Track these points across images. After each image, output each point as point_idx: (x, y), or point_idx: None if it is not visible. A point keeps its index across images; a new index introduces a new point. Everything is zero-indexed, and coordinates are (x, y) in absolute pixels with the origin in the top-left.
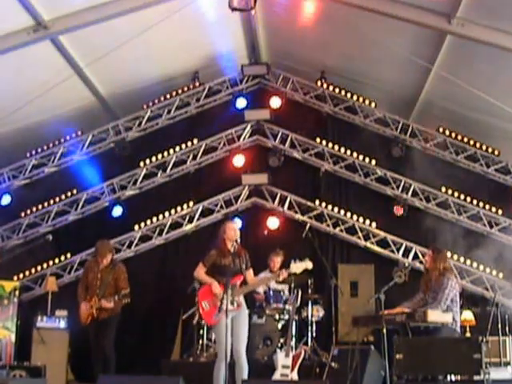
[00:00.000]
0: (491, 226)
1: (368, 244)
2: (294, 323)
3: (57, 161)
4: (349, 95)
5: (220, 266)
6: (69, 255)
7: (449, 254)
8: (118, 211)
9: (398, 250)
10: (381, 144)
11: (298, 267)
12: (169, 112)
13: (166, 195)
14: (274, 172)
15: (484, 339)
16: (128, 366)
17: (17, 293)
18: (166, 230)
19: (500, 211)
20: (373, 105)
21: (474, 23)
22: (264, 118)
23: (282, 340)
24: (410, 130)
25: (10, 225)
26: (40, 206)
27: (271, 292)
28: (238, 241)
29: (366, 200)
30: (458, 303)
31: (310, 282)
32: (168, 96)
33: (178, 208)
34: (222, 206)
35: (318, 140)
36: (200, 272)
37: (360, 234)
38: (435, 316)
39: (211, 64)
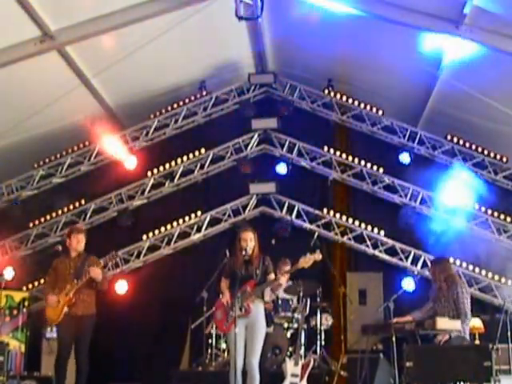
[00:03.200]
0: (500, 233)
1: (376, 252)
2: (302, 332)
3: (64, 171)
4: (356, 103)
5: (233, 274)
6: None
7: (457, 262)
8: (126, 221)
9: (407, 258)
10: (388, 152)
11: (306, 261)
12: (176, 121)
13: (173, 205)
14: (281, 181)
15: (494, 347)
16: (137, 375)
17: (26, 303)
18: (174, 240)
19: (508, 218)
20: (380, 112)
21: (482, 29)
22: (271, 126)
23: (291, 349)
24: (417, 138)
25: (18, 235)
26: (48, 217)
27: (280, 301)
28: (249, 248)
29: (374, 208)
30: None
31: (318, 290)
32: (175, 105)
33: (186, 217)
34: (229, 215)
35: (326, 148)
36: (222, 284)
37: (368, 242)
38: (444, 324)
39: (218, 73)
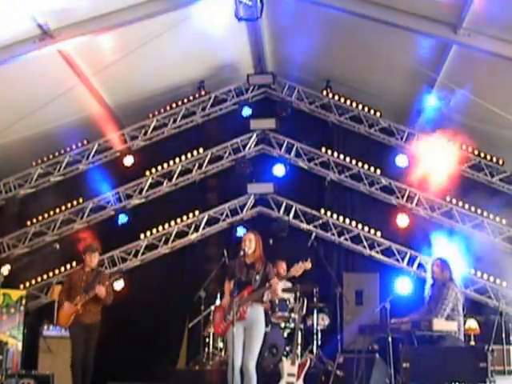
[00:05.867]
0: (495, 236)
1: (373, 253)
2: (299, 331)
3: (63, 169)
4: (354, 104)
5: (234, 277)
6: (74, 264)
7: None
8: (123, 220)
9: (403, 259)
10: (386, 153)
11: (297, 269)
12: (174, 121)
13: (171, 204)
14: (279, 181)
15: (490, 348)
16: (134, 374)
17: (23, 301)
18: (171, 239)
19: (504, 221)
20: (378, 114)
21: (480, 33)
22: (269, 127)
23: (287, 348)
24: (415, 140)
25: (16, 233)
26: (46, 215)
27: (277, 300)
28: (248, 249)
29: (370, 209)
30: (460, 312)
31: (315, 290)
32: (174, 105)
33: (184, 217)
34: (227, 215)
35: (324, 149)
36: (225, 286)
37: (365, 243)
38: (440, 325)
39: (217, 73)
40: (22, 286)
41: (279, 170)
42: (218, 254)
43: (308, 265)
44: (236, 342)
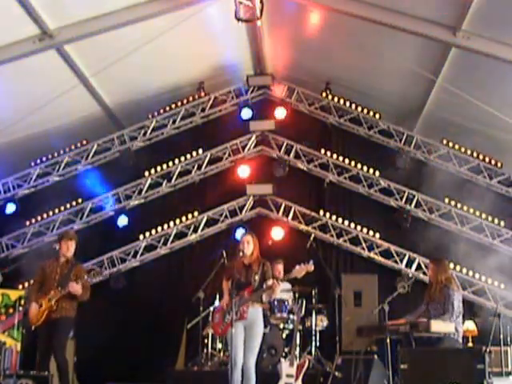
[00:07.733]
0: (493, 238)
1: (372, 254)
2: (298, 333)
3: (62, 170)
4: (353, 106)
5: (232, 278)
6: None
7: (451, 265)
8: (122, 221)
9: (402, 261)
10: (385, 155)
11: (299, 271)
12: (174, 122)
13: (170, 205)
14: (278, 182)
15: (487, 350)
16: (133, 374)
17: (22, 302)
18: (170, 240)
19: (502, 223)
20: (377, 116)
21: (479, 36)
22: (269, 128)
23: (286, 349)
24: (413, 142)
25: (14, 234)
26: (45, 215)
27: (275, 301)
28: (246, 251)
29: (369, 211)
30: (460, 314)
31: (314, 291)
32: (173, 106)
33: (183, 218)
34: (226, 216)
35: (323, 151)
36: (223, 285)
37: (364, 245)
38: (438, 326)
39: (217, 74)
40: (20, 287)
41: (278, 171)
42: (216, 255)
43: (311, 267)
44: (237, 341)
